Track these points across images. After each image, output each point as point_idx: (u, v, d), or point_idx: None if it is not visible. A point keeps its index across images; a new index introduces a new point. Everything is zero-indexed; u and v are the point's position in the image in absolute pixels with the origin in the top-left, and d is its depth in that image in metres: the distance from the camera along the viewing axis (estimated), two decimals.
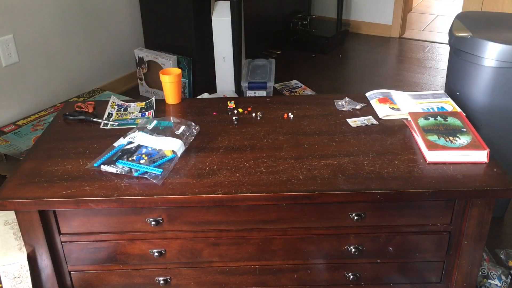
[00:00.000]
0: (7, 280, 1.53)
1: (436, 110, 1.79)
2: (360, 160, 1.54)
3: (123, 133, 1.69)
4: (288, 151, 1.59)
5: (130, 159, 1.53)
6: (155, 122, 1.72)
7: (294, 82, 3.52)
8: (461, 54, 1.96)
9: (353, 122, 1.76)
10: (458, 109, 1.79)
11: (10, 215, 1.63)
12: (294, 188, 1.43)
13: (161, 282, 1.62)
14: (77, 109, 1.89)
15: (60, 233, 1.52)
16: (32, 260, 1.53)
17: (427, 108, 1.80)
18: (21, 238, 1.52)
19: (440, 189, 1.41)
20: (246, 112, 1.85)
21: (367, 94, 1.95)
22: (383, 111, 1.81)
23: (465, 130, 1.61)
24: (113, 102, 1.93)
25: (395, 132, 1.70)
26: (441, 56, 3.97)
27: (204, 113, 1.85)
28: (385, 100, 1.88)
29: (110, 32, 3.22)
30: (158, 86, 3.23)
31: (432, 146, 1.53)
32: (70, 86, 3.01)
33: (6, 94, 2.61)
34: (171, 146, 1.57)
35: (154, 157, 1.54)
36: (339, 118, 1.79)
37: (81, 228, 1.52)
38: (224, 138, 1.68)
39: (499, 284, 1.76)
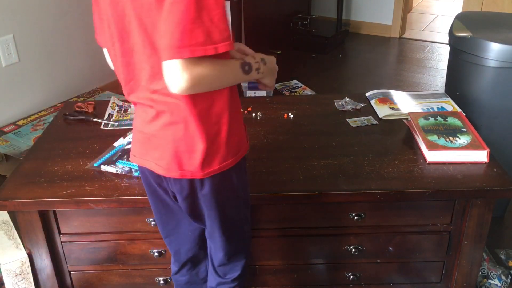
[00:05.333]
0: (9, 279, 1.52)
1: (436, 110, 1.79)
2: (360, 160, 1.54)
3: (123, 133, 1.69)
4: (288, 151, 1.59)
5: (130, 159, 1.52)
6: None
7: (294, 82, 3.52)
8: (461, 54, 1.96)
9: (353, 122, 1.76)
10: (458, 109, 1.79)
11: None
12: (294, 188, 1.42)
13: (161, 282, 1.62)
14: (77, 109, 1.89)
15: (60, 233, 1.52)
16: (32, 260, 1.53)
17: (427, 108, 1.80)
18: (14, 236, 1.53)
19: (440, 189, 1.41)
20: (246, 112, 1.85)
21: (367, 94, 1.95)
22: (383, 111, 1.81)
23: (465, 130, 1.61)
24: (114, 103, 1.93)
25: (395, 132, 1.70)
26: (441, 56, 3.96)
27: None
28: (385, 100, 1.88)
29: None
30: None
31: (432, 146, 1.53)
32: (70, 86, 3.01)
33: (6, 94, 2.61)
34: None
35: None
36: (339, 118, 1.79)
37: (81, 228, 1.52)
38: None
39: (499, 284, 1.76)
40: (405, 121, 1.75)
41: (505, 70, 1.85)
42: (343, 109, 1.85)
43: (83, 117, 1.82)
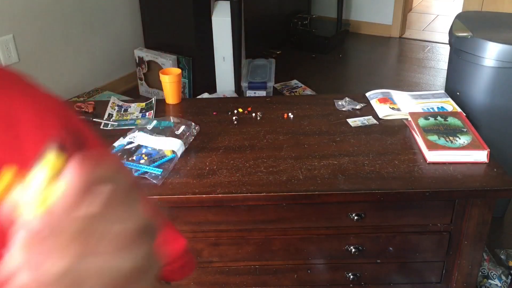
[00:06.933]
0: None
1: (436, 110, 1.79)
2: (360, 160, 1.54)
3: (123, 133, 1.69)
4: (288, 151, 1.59)
5: (130, 159, 1.52)
6: (155, 122, 1.71)
7: (294, 82, 3.52)
8: (461, 54, 1.96)
9: (353, 122, 1.76)
10: (458, 109, 1.79)
11: None
12: (294, 188, 1.42)
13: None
14: (77, 109, 1.89)
15: None
16: None
17: (427, 108, 1.80)
18: None
19: (440, 189, 1.41)
20: (246, 112, 1.85)
21: (367, 94, 1.95)
22: (383, 111, 1.81)
23: (465, 130, 1.61)
24: (113, 103, 1.93)
25: (395, 132, 1.70)
26: (441, 56, 3.97)
27: (204, 113, 1.85)
28: (385, 100, 1.88)
29: (110, 32, 3.22)
30: (158, 86, 3.23)
31: (432, 146, 1.53)
32: (70, 86, 3.01)
33: None
34: (171, 146, 1.57)
35: (154, 157, 1.54)
36: (339, 118, 1.79)
37: None
38: (224, 138, 1.68)
39: (499, 284, 1.76)
40: (405, 121, 1.75)
41: (505, 70, 1.85)
42: (343, 109, 1.85)
43: (83, 117, 1.82)
